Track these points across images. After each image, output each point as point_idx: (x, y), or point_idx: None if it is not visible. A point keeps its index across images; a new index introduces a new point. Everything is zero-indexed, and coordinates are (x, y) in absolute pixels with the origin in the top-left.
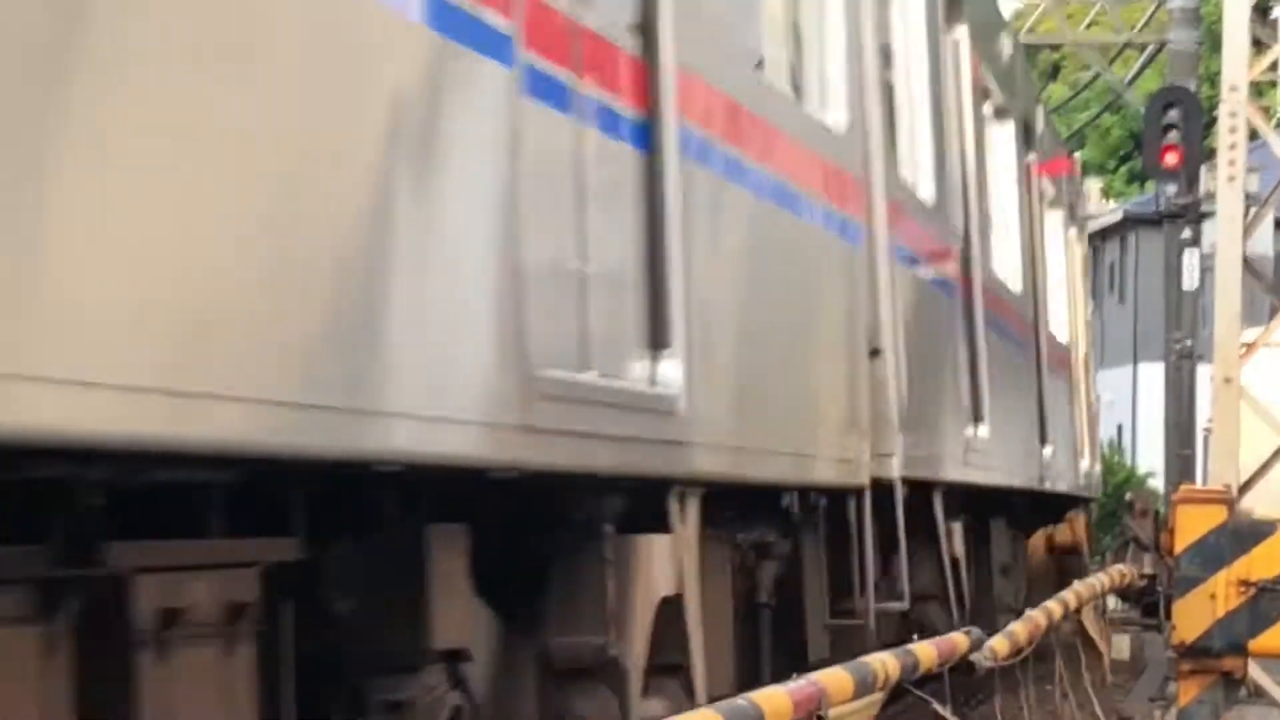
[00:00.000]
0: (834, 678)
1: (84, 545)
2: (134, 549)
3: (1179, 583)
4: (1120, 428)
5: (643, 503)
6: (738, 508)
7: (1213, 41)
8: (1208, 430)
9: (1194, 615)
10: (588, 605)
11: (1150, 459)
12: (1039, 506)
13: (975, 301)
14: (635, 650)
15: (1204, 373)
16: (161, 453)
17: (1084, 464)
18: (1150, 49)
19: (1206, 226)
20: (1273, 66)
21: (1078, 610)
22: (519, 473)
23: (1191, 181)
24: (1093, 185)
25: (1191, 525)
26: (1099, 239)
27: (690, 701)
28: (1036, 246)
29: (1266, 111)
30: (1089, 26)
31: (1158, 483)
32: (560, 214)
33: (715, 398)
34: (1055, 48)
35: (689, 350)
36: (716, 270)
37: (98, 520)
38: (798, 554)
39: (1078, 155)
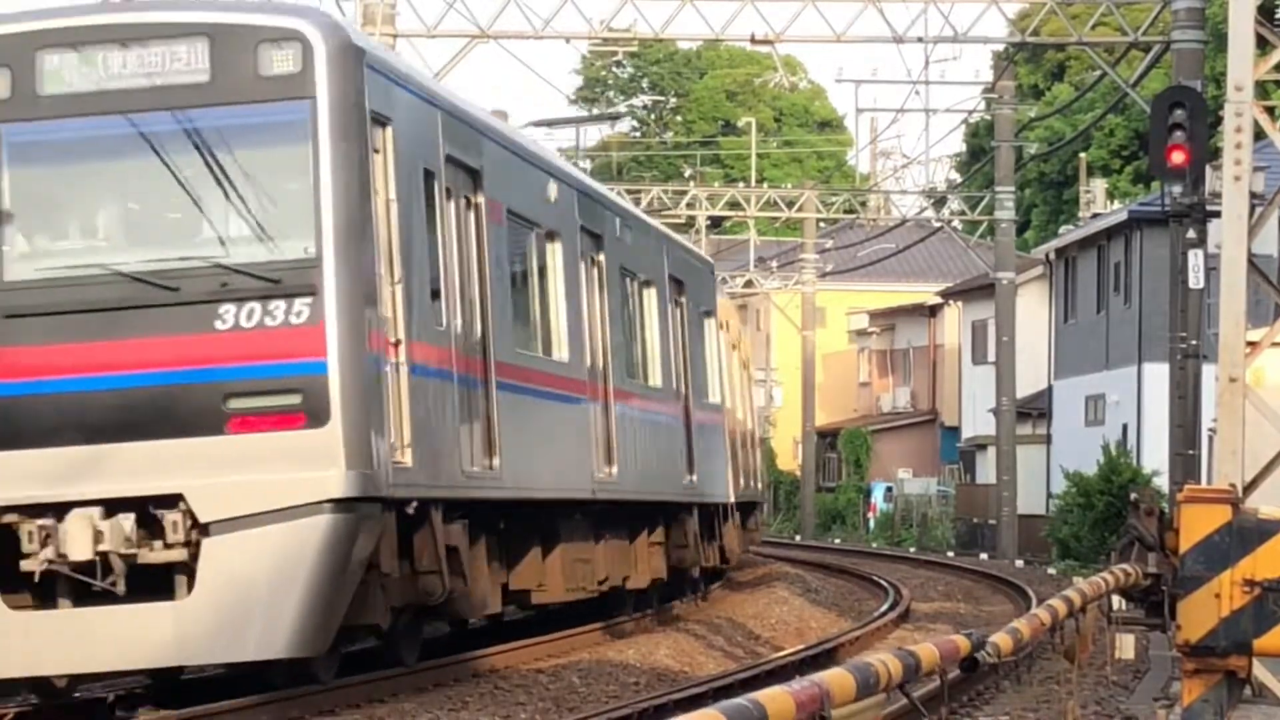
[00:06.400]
0: (836, 678)
1: None
2: None
3: (1183, 582)
4: (1125, 427)
5: None
6: None
7: (1218, 41)
8: (1213, 430)
9: (1198, 615)
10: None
11: (1155, 458)
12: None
13: (610, 400)
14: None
15: (1209, 372)
16: None
17: (737, 483)
18: (1156, 49)
19: (1212, 226)
20: (1278, 66)
21: (1083, 609)
22: None
23: (1197, 181)
24: (1098, 185)
25: (1196, 524)
26: (1104, 239)
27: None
28: (680, 351)
29: (1272, 111)
30: (1094, 27)
31: (1163, 482)
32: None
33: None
34: (1060, 48)
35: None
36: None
37: None
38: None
39: (1083, 155)
